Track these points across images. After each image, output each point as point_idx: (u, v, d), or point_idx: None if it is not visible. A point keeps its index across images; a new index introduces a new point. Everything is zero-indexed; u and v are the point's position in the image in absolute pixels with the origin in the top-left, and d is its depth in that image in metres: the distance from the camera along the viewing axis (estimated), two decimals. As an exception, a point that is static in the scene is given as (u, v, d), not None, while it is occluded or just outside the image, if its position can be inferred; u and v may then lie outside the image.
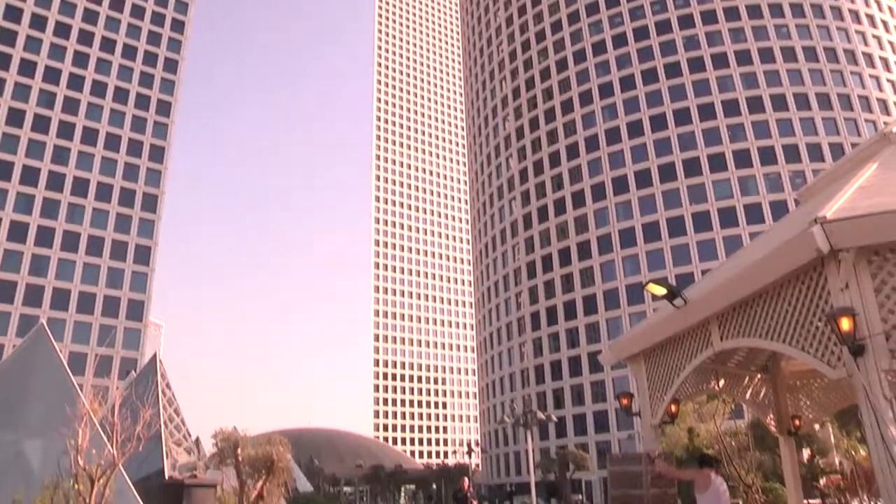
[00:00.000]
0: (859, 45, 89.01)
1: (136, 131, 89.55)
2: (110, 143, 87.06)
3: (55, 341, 23.18)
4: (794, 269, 6.94)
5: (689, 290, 9.37)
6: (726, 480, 8.98)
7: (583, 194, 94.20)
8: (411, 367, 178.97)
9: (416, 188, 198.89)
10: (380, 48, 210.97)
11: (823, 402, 11.20)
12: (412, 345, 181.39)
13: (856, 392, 6.41)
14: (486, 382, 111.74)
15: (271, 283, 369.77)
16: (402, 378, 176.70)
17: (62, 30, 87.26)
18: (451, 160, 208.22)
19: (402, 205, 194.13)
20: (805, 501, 15.32)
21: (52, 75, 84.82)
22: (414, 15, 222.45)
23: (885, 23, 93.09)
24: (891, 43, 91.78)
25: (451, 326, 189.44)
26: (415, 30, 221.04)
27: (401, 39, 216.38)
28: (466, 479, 19.64)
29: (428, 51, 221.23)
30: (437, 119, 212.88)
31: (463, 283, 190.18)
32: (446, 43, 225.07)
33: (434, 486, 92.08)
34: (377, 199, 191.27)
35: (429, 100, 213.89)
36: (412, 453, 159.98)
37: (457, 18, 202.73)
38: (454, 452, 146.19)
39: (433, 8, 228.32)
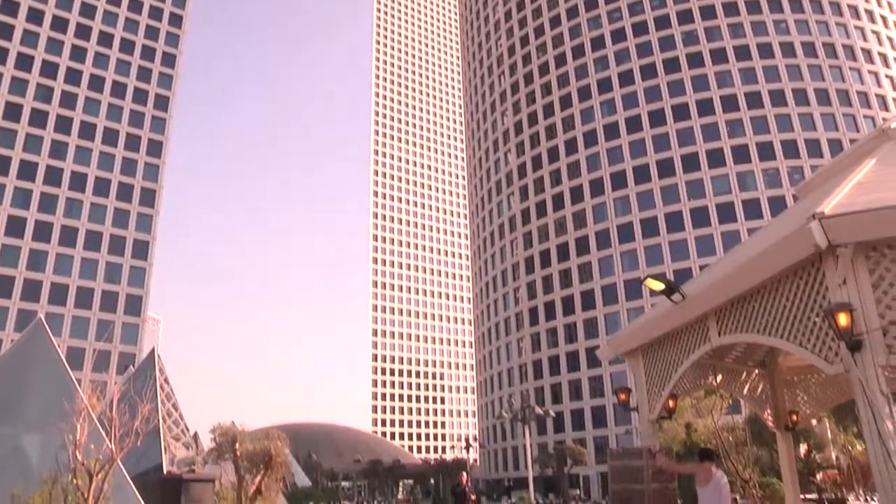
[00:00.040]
0: (858, 41, 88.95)
1: (133, 126, 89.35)
2: (108, 137, 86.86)
3: (53, 336, 23.15)
4: (792, 265, 6.94)
5: (687, 286, 9.38)
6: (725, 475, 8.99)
7: (581, 189, 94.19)
8: (409, 363, 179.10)
9: (415, 183, 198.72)
10: (378, 43, 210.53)
11: (820, 398, 11.24)
12: (411, 340, 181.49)
13: (853, 387, 6.43)
14: (484, 377, 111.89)
15: (270, 277, 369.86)
16: (401, 373, 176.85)
17: (59, 24, 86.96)
18: (450, 155, 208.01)
19: (400, 200, 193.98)
20: (802, 496, 15.37)
21: (49, 70, 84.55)
22: (412, 9, 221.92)
23: (884, 18, 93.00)
24: (890, 39, 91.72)
25: (449, 322, 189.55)
26: (413, 24, 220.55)
27: (399, 34, 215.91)
28: (465, 474, 19.65)
29: (426, 45, 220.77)
30: (435, 114, 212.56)
31: (461, 279, 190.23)
32: (445, 38, 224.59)
33: (432, 481, 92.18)
34: (376, 194, 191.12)
35: (427, 95, 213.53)
36: (410, 448, 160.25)
37: (455, 13, 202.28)
38: (452, 447, 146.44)
39: (432, 3, 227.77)
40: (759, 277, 7.44)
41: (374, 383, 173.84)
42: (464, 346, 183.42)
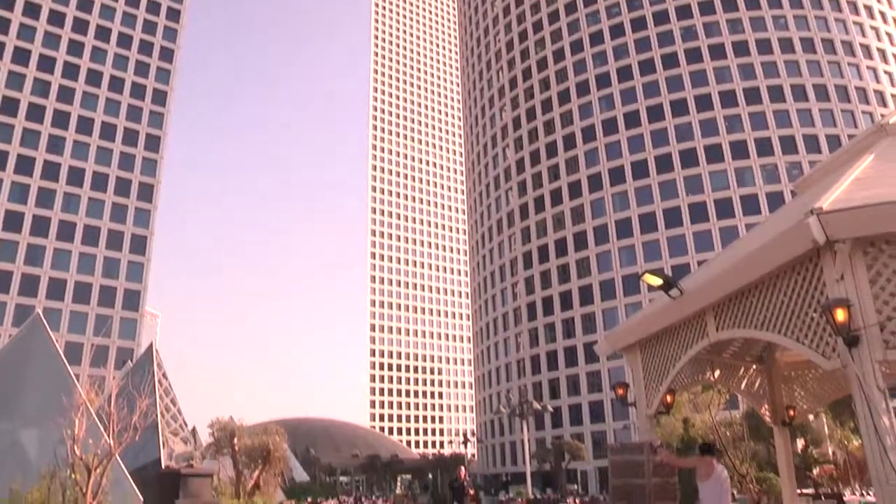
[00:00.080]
0: (857, 37, 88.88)
1: (131, 120, 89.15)
2: (106, 132, 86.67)
3: (51, 331, 23.14)
4: (790, 260, 6.95)
5: (685, 281, 9.40)
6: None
7: (579, 185, 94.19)
8: (407, 357, 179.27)
9: (413, 178, 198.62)
10: (377, 38, 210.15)
11: (817, 393, 11.26)
12: (409, 335, 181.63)
13: (850, 383, 6.44)
14: (482, 372, 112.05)
15: (268, 272, 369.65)
16: (399, 368, 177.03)
17: (56, 18, 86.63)
18: (448, 150, 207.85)
19: (398, 195, 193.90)
20: (798, 491, 15.41)
21: (46, 64, 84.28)
22: (411, 4, 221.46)
23: (883, 14, 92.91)
24: (889, 35, 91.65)
25: (447, 316, 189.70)
26: (412, 20, 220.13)
27: (398, 29, 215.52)
28: (463, 469, 19.72)
29: (425, 41, 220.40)
30: (433, 109, 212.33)
31: (459, 273, 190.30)
32: (443, 33, 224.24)
33: (430, 476, 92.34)
34: (374, 189, 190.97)
35: (425, 90, 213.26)
36: (408, 443, 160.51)
37: (453, 8, 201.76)
38: (450, 442, 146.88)
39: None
40: (757, 273, 7.45)
41: (373, 378, 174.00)
42: (462, 341, 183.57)
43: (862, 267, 6.42)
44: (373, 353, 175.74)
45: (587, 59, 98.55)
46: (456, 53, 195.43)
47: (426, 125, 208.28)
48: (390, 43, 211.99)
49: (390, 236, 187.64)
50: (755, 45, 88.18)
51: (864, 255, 6.45)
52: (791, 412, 11.15)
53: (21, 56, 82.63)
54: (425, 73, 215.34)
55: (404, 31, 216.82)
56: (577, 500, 34.55)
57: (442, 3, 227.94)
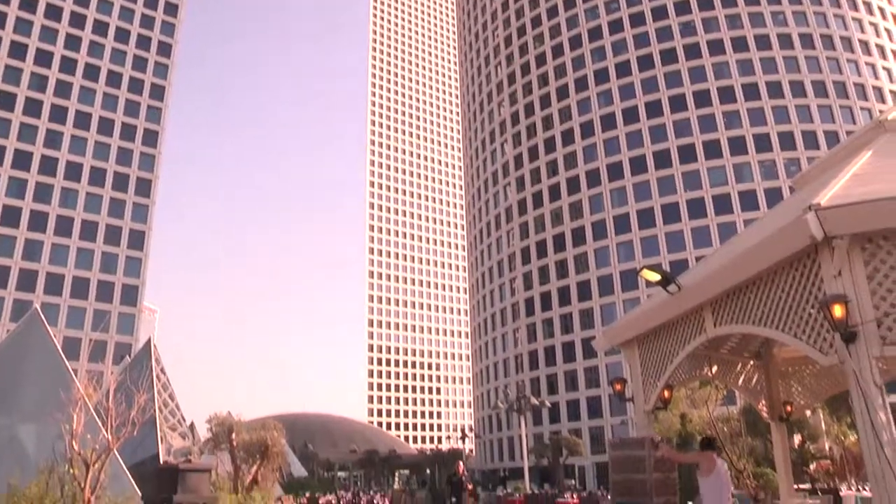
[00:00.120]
0: (856, 33, 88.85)
1: (129, 115, 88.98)
2: (103, 127, 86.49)
3: (49, 326, 23.12)
4: (788, 256, 6.96)
5: (683, 277, 9.40)
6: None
7: (577, 180, 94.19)
8: (405, 353, 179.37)
9: (411, 173, 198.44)
10: (375, 32, 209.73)
11: (815, 389, 11.29)
12: (406, 330, 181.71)
13: (847, 378, 6.46)
14: (480, 368, 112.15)
15: (266, 268, 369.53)
16: (397, 363, 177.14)
17: (53, 12, 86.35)
18: (446, 145, 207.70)
19: (396, 190, 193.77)
20: (795, 486, 15.46)
21: (43, 58, 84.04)
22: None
23: (881, 10, 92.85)
24: (887, 30, 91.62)
25: (445, 312, 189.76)
26: (410, 14, 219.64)
27: (396, 23, 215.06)
28: (461, 464, 19.75)
29: (423, 35, 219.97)
30: (432, 104, 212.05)
31: (457, 269, 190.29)
32: (441, 28, 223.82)
33: (428, 471, 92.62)
34: (372, 184, 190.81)
35: (424, 84, 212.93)
36: (406, 438, 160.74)
37: (452, 3, 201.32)
38: (448, 438, 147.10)
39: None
40: (755, 269, 7.45)
41: (371, 373, 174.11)
42: (460, 336, 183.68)
43: (859, 263, 6.43)
44: (371, 348, 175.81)
45: (585, 54, 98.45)
46: (454, 49, 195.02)
47: (424, 121, 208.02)
48: (388, 38, 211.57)
49: (388, 231, 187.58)
50: (754, 42, 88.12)
51: (862, 251, 6.45)
52: (788, 408, 11.18)
53: (18, 50, 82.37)
54: (424, 67, 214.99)
55: (403, 26, 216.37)
56: (574, 496, 34.61)
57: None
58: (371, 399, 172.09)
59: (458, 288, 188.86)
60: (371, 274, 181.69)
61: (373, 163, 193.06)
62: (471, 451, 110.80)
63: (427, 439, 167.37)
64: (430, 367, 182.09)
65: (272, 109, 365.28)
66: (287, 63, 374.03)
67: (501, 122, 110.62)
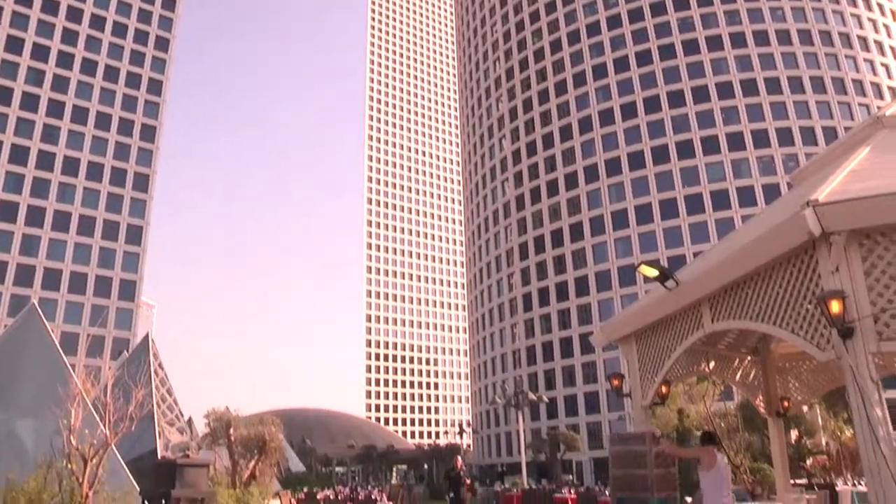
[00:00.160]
0: (854, 28, 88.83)
1: (126, 110, 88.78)
2: (101, 121, 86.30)
3: (47, 321, 23.08)
4: (786, 252, 6.97)
5: (680, 272, 9.41)
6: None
7: (575, 176, 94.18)
8: (403, 348, 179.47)
9: (409, 169, 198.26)
10: (373, 27, 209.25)
11: (812, 384, 11.32)
12: (404, 325, 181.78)
13: (844, 374, 6.48)
14: (477, 363, 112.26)
15: (263, 263, 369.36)
16: (394, 359, 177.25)
17: (50, 6, 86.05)
18: (444, 141, 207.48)
19: (394, 185, 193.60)
20: (791, 481, 15.52)
21: (40, 53, 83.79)
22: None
23: (880, 6, 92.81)
24: (886, 26, 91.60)
25: (443, 307, 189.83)
26: (408, 9, 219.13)
27: (394, 19, 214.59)
28: (459, 459, 19.79)
29: (422, 31, 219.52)
30: (430, 100, 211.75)
31: (455, 264, 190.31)
32: (440, 23, 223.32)
33: (426, 467, 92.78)
34: (370, 179, 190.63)
35: (422, 80, 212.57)
36: (404, 434, 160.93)
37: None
38: (446, 433, 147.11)
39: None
40: (753, 264, 7.46)
41: (368, 369, 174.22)
42: (457, 331, 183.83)
43: (857, 259, 6.45)
44: (368, 343, 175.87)
45: (584, 49, 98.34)
46: (453, 44, 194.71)
47: (422, 116, 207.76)
48: (387, 33, 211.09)
49: (386, 227, 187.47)
50: (752, 37, 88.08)
51: (860, 247, 6.47)
52: (785, 403, 11.20)
53: (14, 45, 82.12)
54: (421, 63, 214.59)
55: (401, 22, 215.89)
56: (572, 491, 34.69)
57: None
58: (369, 394, 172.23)
59: (456, 283, 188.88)
60: (369, 269, 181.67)
61: (371, 158, 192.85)
62: (468, 446, 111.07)
63: (425, 434, 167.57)
64: (427, 362, 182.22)
65: (269, 103, 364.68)
66: (285, 58, 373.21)
67: (499, 117, 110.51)
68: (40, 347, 21.00)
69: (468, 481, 19.20)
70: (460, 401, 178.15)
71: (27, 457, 16.32)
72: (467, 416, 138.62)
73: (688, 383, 25.62)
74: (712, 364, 10.89)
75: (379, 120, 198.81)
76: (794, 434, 27.55)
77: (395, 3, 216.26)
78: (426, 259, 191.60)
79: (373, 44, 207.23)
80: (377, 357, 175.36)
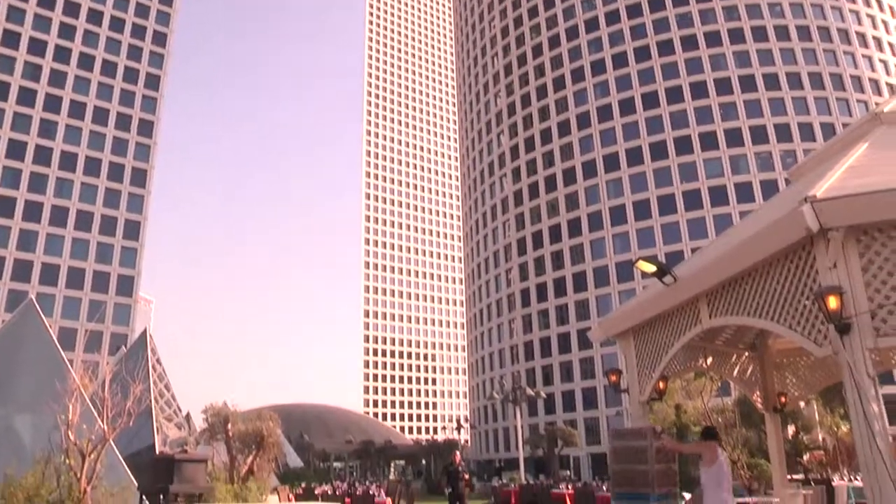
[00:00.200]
0: (853, 25, 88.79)
1: (124, 105, 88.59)
2: (98, 116, 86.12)
3: (44, 316, 23.06)
4: (784, 248, 6.98)
5: (678, 268, 9.41)
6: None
7: (574, 171, 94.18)
8: (401, 343, 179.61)
9: (408, 164, 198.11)
10: (371, 22, 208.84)
11: (809, 380, 11.34)
12: (402, 321, 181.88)
13: (841, 370, 6.49)
14: (475, 358, 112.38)
15: (261, 258, 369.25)
16: (392, 354, 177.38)
17: (46, 1, 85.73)
18: (443, 136, 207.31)
19: (393, 181, 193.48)
20: (788, 476, 15.57)
21: (37, 47, 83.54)
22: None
23: (879, 2, 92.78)
24: (884, 22, 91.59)
25: (441, 303, 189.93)
26: (406, 4, 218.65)
27: (392, 14, 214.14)
28: (458, 454, 19.82)
29: (420, 26, 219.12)
30: (428, 95, 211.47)
31: (453, 260, 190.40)
32: (438, 18, 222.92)
33: (423, 462, 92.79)
34: (368, 175, 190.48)
35: (420, 75, 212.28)
36: (402, 429, 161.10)
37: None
38: (443, 428, 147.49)
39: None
40: (751, 260, 7.47)
41: (366, 364, 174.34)
42: (455, 327, 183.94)
43: (854, 255, 6.45)
44: (366, 339, 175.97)
45: (582, 45, 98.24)
46: (451, 39, 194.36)
47: (421, 111, 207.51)
48: (385, 28, 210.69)
49: (384, 222, 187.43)
50: (751, 33, 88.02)
51: (857, 243, 6.48)
52: (782, 399, 11.23)
53: (11, 39, 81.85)
54: (420, 58, 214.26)
55: (399, 16, 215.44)
56: (569, 486, 34.78)
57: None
58: (367, 389, 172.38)
59: (453, 279, 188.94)
60: (367, 265, 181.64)
61: (369, 153, 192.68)
62: (466, 441, 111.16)
63: (423, 430, 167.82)
64: (425, 357, 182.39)
65: (267, 97, 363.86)
66: (283, 52, 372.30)
67: (498, 112, 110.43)
68: (38, 343, 20.97)
69: (467, 476, 19.24)
70: (458, 396, 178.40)
71: (25, 452, 16.31)
72: (465, 412, 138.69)
73: (685, 379, 25.69)
74: (710, 360, 10.91)
75: (377, 115, 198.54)
76: (791, 430, 27.64)
77: (393, 0, 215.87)
78: (424, 255, 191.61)
79: (371, 38, 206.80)
80: (375, 353, 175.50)
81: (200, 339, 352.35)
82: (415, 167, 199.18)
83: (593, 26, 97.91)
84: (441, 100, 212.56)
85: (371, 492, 32.47)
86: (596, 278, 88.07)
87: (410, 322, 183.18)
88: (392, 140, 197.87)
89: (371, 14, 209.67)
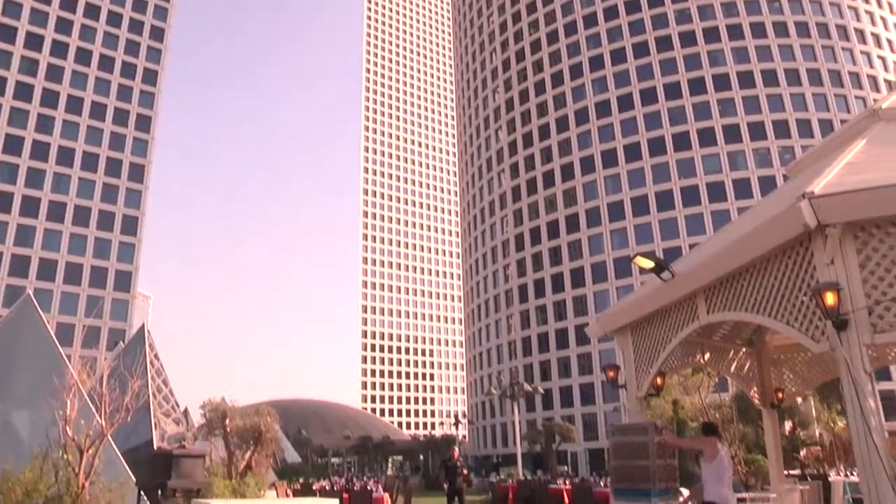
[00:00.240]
0: (851, 21, 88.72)
1: (121, 100, 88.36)
2: (96, 111, 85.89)
3: (42, 312, 23.04)
4: (781, 244, 6.98)
5: (676, 264, 9.42)
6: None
7: (572, 167, 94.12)
8: (399, 339, 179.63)
9: (406, 159, 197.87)
10: (369, 18, 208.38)
11: (806, 376, 11.37)
12: (400, 316, 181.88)
13: (838, 365, 6.51)
14: (473, 354, 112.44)
15: (259, 254, 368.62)
16: (390, 350, 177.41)
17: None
18: (441, 131, 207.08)
19: (390, 176, 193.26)
20: (785, 472, 15.61)
21: (34, 42, 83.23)
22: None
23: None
24: (883, 19, 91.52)
25: (439, 298, 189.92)
26: (405, 1, 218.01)
27: (391, 9, 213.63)
28: (456, 449, 19.86)
29: (418, 21, 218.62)
30: (426, 90, 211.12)
31: (451, 255, 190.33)
32: (436, 13, 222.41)
33: (421, 457, 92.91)
34: (366, 170, 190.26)
35: (418, 70, 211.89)
36: (399, 425, 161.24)
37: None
38: (441, 424, 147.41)
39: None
40: (749, 256, 7.48)
41: (364, 359, 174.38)
42: (453, 322, 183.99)
43: (852, 251, 6.46)
44: (364, 334, 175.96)
45: (581, 41, 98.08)
46: (449, 35, 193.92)
47: (419, 107, 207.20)
48: (383, 23, 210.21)
49: (383, 218, 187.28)
50: (749, 29, 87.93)
51: (855, 240, 6.48)
52: (780, 395, 11.24)
53: (7, 33, 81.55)
54: (418, 54, 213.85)
55: (397, 11, 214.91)
56: (567, 482, 34.83)
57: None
58: (365, 385, 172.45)
59: (451, 274, 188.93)
60: (365, 260, 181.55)
61: (367, 148, 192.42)
62: (464, 437, 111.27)
63: (420, 425, 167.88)
64: (423, 353, 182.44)
65: (265, 92, 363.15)
66: (281, 47, 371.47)
67: (496, 108, 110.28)
68: (36, 338, 20.96)
69: (465, 471, 19.27)
70: (456, 392, 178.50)
71: (23, 447, 16.30)
72: (463, 407, 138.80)
73: (683, 375, 25.72)
74: (707, 355, 10.92)
75: (375, 111, 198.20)
76: (788, 425, 27.74)
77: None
78: (422, 250, 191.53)
79: (369, 34, 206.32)
80: (373, 348, 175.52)
81: (200, 339, 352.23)
82: (412, 162, 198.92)
83: (591, 22, 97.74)
84: (439, 96, 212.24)
85: (369, 487, 32.49)
86: (594, 274, 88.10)
87: (408, 318, 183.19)
88: (389, 135, 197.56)
89: (370, 10, 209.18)
